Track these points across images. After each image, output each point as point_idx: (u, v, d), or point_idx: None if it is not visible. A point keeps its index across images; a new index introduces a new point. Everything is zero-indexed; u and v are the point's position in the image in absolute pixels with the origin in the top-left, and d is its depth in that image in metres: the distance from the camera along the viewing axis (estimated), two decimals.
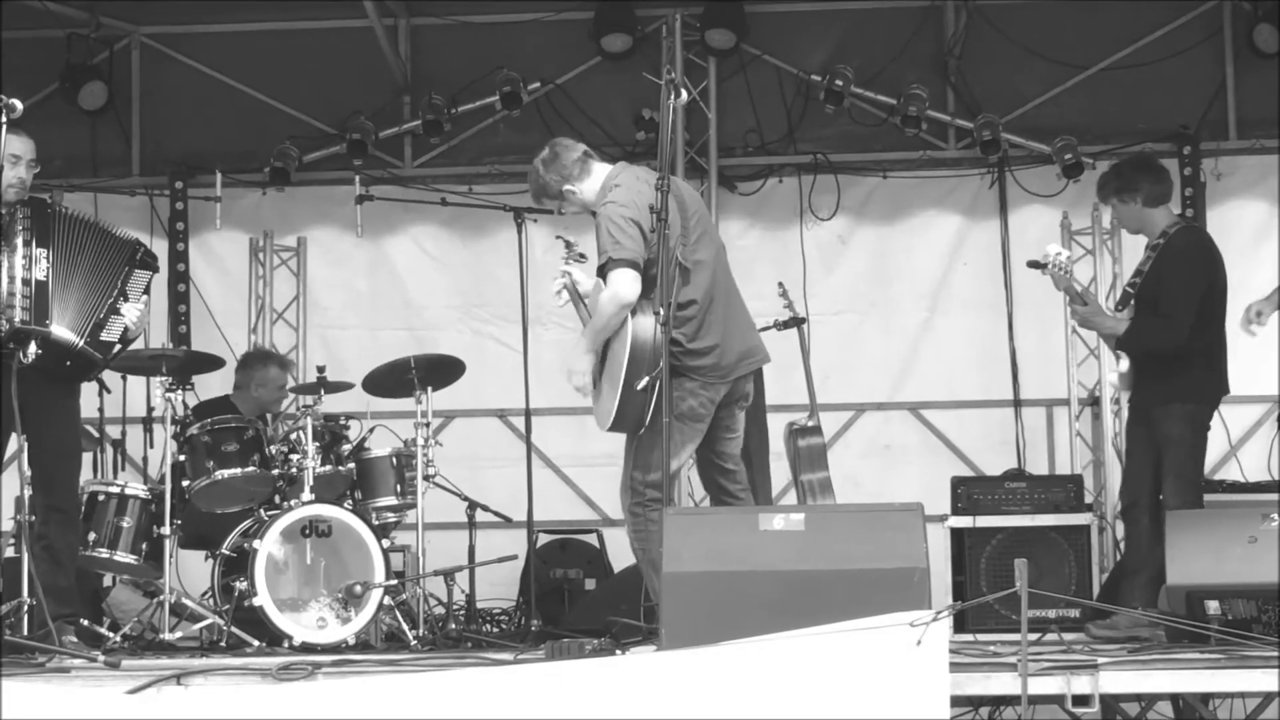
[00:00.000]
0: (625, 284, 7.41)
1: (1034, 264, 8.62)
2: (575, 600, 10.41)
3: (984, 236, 11.64)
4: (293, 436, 8.89)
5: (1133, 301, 8.73)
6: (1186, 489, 8.59)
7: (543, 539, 10.55)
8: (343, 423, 9.26)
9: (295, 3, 11.53)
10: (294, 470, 8.76)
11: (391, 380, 9.36)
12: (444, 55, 11.74)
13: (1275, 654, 6.53)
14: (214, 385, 10.38)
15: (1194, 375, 8.65)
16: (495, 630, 9.84)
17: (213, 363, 9.72)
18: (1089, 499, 10.16)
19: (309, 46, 11.67)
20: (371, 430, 9.37)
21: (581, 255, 7.81)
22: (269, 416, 10.16)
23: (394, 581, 8.58)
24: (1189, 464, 8.64)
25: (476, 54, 11.58)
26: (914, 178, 11.71)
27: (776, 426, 10.23)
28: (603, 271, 7.45)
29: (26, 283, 7.77)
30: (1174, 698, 7.56)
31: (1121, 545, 10.24)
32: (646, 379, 7.31)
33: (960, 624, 9.32)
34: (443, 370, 9.46)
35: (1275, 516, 7.11)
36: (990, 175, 11.64)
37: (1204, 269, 8.76)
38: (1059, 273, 8.56)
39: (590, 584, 10.58)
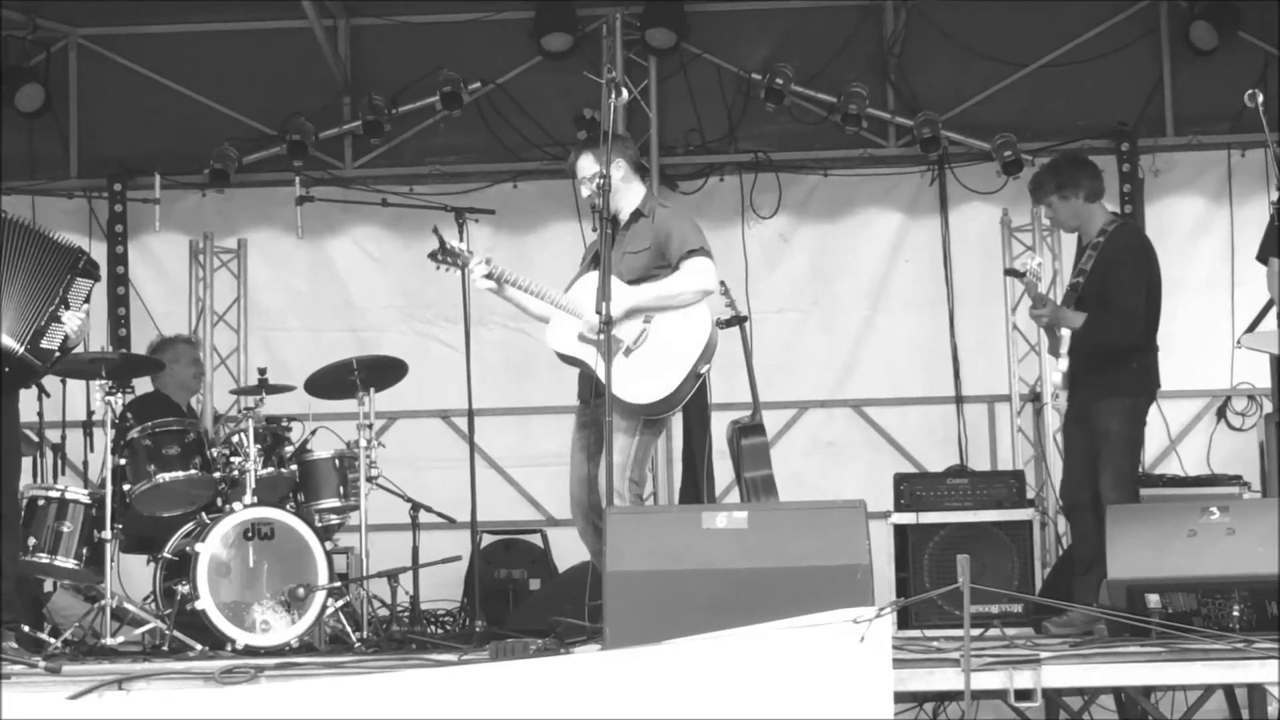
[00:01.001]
0: (711, 272, 7.92)
1: (1013, 273, 8.68)
2: (520, 600, 10.40)
3: (925, 234, 11.67)
4: (234, 439, 8.85)
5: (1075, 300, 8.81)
6: (1123, 483, 8.69)
7: (487, 539, 10.52)
8: (285, 425, 9.22)
9: (234, 4, 11.46)
10: (236, 473, 8.74)
11: (333, 382, 9.34)
12: (384, 56, 11.69)
13: (1216, 646, 6.58)
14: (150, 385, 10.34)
15: (1132, 370, 8.79)
16: (440, 631, 9.82)
17: (152, 365, 9.70)
18: (1031, 494, 10.21)
19: (248, 48, 11.60)
20: (314, 432, 9.35)
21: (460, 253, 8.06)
22: (211, 421, 10.13)
23: (337, 584, 8.57)
24: (1126, 459, 8.76)
25: (416, 54, 11.54)
26: (855, 175, 11.72)
27: (719, 425, 10.23)
28: (687, 258, 7.84)
29: None
30: (1116, 691, 7.60)
31: (1064, 540, 10.30)
32: (706, 367, 7.80)
33: (904, 620, 9.38)
34: (385, 371, 9.45)
35: (1214, 510, 7.16)
36: (930, 173, 11.67)
37: (1147, 265, 8.89)
38: (1034, 280, 8.62)
39: (535, 584, 10.57)
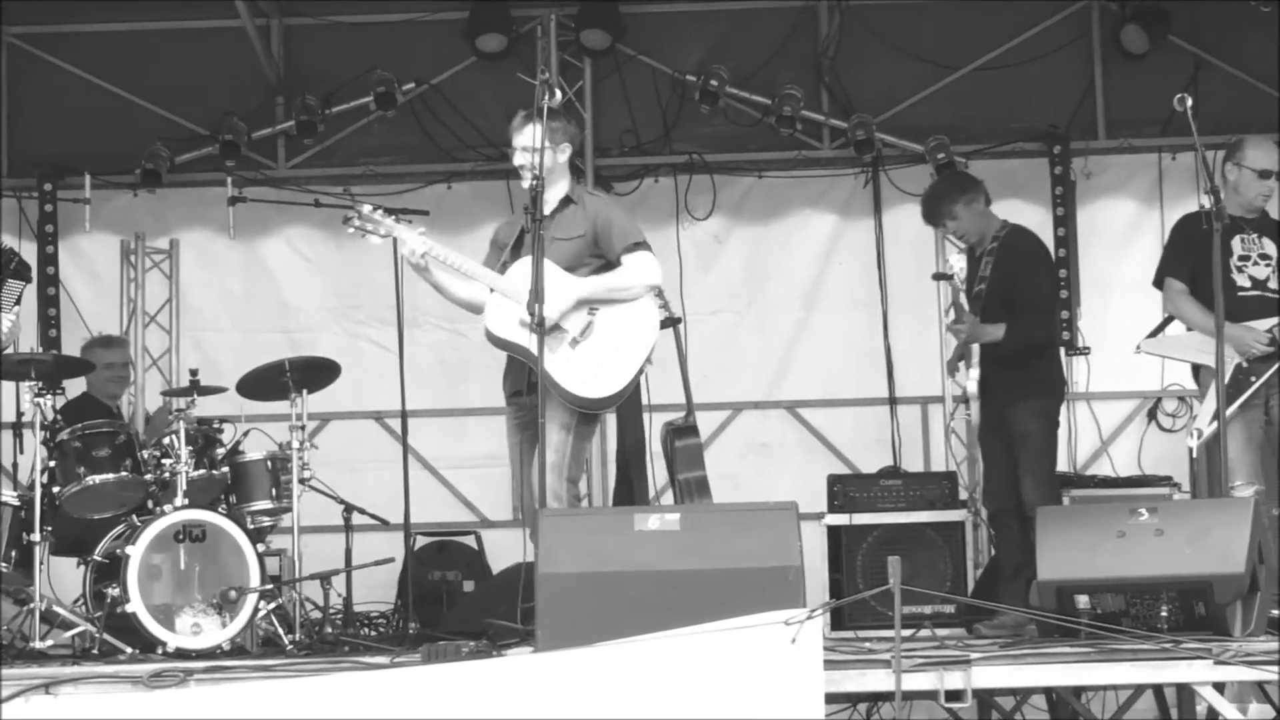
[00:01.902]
0: (657, 266, 7.84)
1: (941, 276, 8.71)
2: (454, 602, 10.36)
3: (859, 236, 11.70)
4: (165, 441, 8.79)
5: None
6: (1044, 483, 8.83)
7: (420, 541, 10.49)
8: (216, 426, 9.16)
9: (166, 3, 11.39)
10: (167, 475, 8.67)
11: (266, 383, 9.30)
12: (317, 55, 11.64)
13: (1144, 646, 6.63)
14: (82, 386, 10.27)
15: (1042, 370, 8.96)
16: (373, 634, 9.77)
17: (83, 367, 9.63)
18: (964, 495, 10.27)
19: (180, 47, 11.53)
20: (246, 434, 9.30)
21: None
22: (142, 423, 10.06)
23: (269, 586, 8.52)
24: (1045, 459, 8.90)
25: (350, 54, 11.50)
26: (789, 177, 11.74)
27: (653, 426, 10.24)
28: (632, 250, 7.73)
29: None
30: (1047, 691, 7.65)
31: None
32: (649, 366, 7.80)
33: (838, 621, 9.43)
34: (318, 373, 9.41)
35: (1143, 512, 7.21)
36: (864, 175, 11.70)
37: (1050, 264, 9.13)
38: (960, 285, 8.68)
39: (469, 586, 10.54)
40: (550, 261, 7.53)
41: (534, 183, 7.59)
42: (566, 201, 7.82)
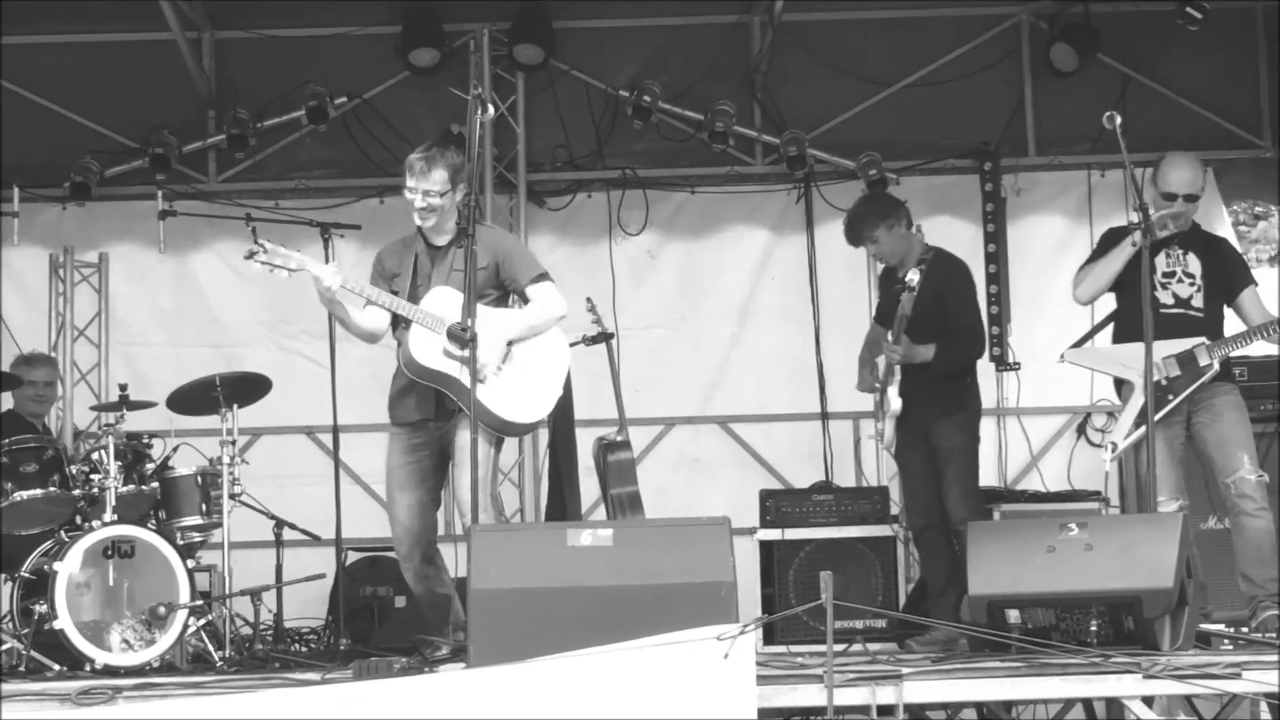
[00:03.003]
0: (561, 297, 8.02)
1: (904, 288, 8.73)
2: (385, 618, 10.32)
3: (791, 251, 11.74)
4: (94, 456, 8.73)
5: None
6: (970, 497, 8.91)
7: (352, 556, 10.45)
8: (146, 441, 9.11)
9: (96, 15, 11.31)
10: (95, 490, 8.61)
11: (196, 398, 9.25)
12: (249, 69, 11.58)
13: (1074, 661, 6.67)
14: (7, 403, 10.19)
15: (963, 386, 9.04)
16: (304, 650, 9.73)
17: (11, 381, 9.54)
18: (895, 510, 10.31)
19: (110, 59, 11.46)
20: (176, 449, 9.25)
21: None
22: (70, 438, 9.98)
23: (199, 602, 8.47)
24: (971, 473, 8.98)
25: (282, 68, 11.45)
26: (722, 193, 11.77)
27: (586, 441, 10.25)
28: (537, 282, 7.92)
29: None
30: (978, 706, 7.68)
31: None
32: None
33: (770, 636, 9.45)
34: (249, 387, 9.37)
35: (1073, 526, 7.25)
36: (797, 191, 11.74)
37: (974, 285, 9.18)
38: (909, 302, 8.72)
39: (400, 601, 10.48)
40: (457, 293, 7.68)
41: (468, 198, 7.67)
42: (463, 233, 7.76)
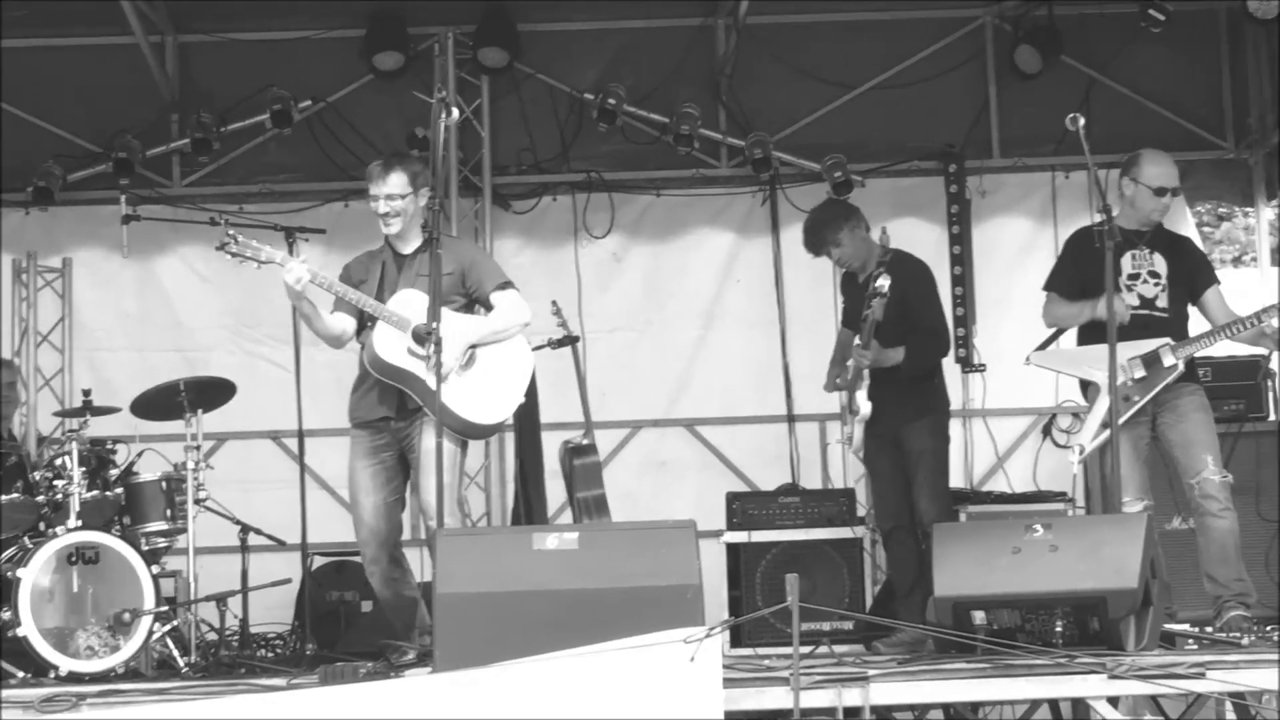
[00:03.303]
0: (525, 304, 8.12)
1: (876, 294, 8.74)
2: (352, 623, 10.30)
3: (756, 254, 11.75)
4: (58, 462, 8.68)
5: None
6: (940, 498, 8.95)
7: (318, 561, 10.42)
8: (110, 447, 9.07)
9: (59, 19, 11.26)
10: (59, 496, 8.57)
11: (160, 403, 9.22)
12: (213, 73, 11.55)
13: (1040, 662, 6.68)
14: None
15: (932, 388, 9.10)
16: (270, 655, 9.70)
17: None
18: (862, 512, 10.33)
19: (73, 64, 11.40)
20: (140, 454, 9.22)
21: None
22: (34, 444, 9.94)
23: (164, 608, 8.43)
24: (941, 474, 9.02)
25: (246, 72, 11.42)
26: (687, 196, 11.77)
27: (552, 445, 10.25)
28: (501, 290, 8.01)
29: None
30: (944, 707, 7.70)
31: None
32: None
33: (737, 638, 9.44)
34: (213, 392, 9.34)
35: (1038, 527, 7.27)
36: (762, 193, 11.75)
37: (937, 287, 9.21)
38: (882, 302, 8.74)
39: (367, 606, 10.45)
40: (423, 295, 7.71)
41: (432, 201, 7.71)
42: (430, 242, 7.83)
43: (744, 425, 11.67)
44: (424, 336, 7.62)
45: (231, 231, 7.99)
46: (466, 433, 7.90)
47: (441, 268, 7.68)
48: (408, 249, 8.03)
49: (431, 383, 7.52)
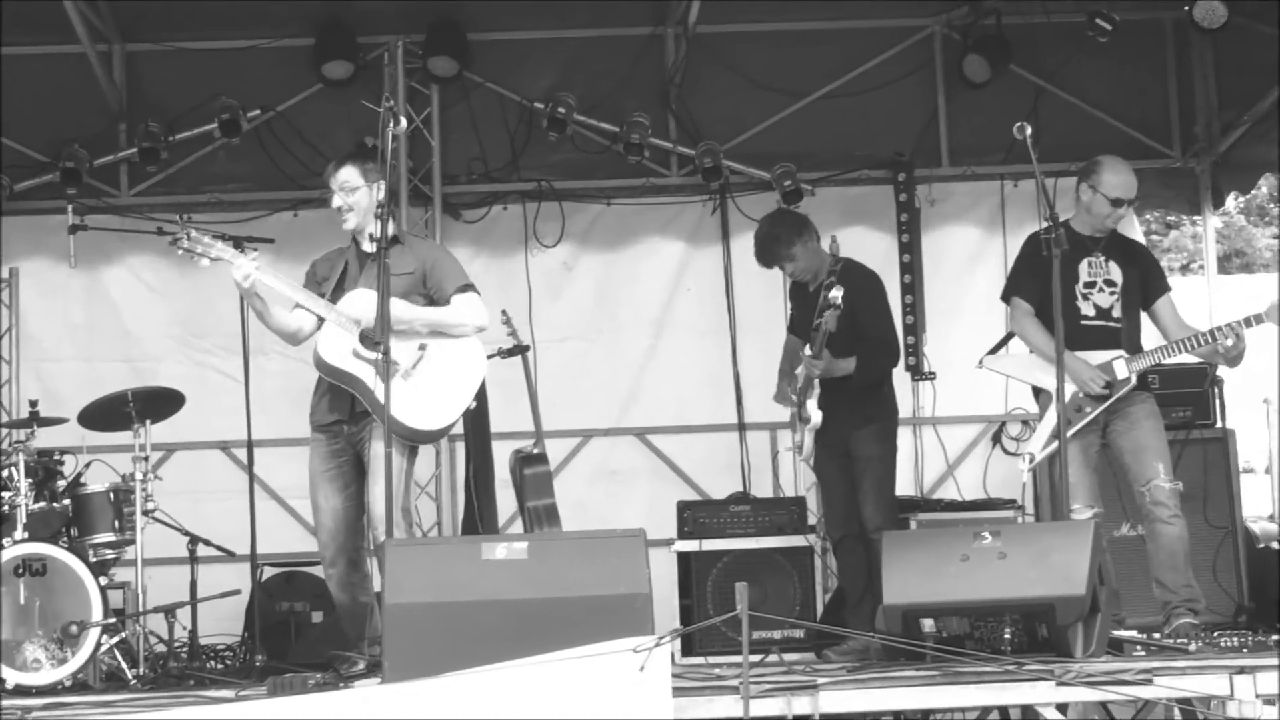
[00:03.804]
0: (484, 309, 8.11)
1: (829, 306, 8.75)
2: (301, 634, 10.27)
3: (707, 262, 11.77)
4: (4, 473, 8.64)
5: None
6: (886, 506, 8.98)
7: (268, 572, 10.39)
8: (57, 458, 9.02)
9: (5, 28, 11.17)
10: (6, 508, 8.53)
11: (108, 414, 9.17)
12: (161, 82, 11.50)
13: (988, 669, 6.70)
14: None
15: (881, 396, 9.13)
16: (219, 667, 9.66)
17: None
18: (812, 520, 10.35)
19: (20, 73, 11.29)
20: (88, 465, 9.16)
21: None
22: None
23: (113, 620, 8.39)
24: (888, 481, 9.05)
25: (195, 81, 11.36)
26: (637, 204, 11.78)
27: (502, 454, 10.24)
28: (462, 292, 8.00)
29: None
30: (894, 715, 7.71)
31: None
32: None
33: (688, 647, 9.45)
34: (162, 402, 9.30)
35: (986, 535, 7.29)
36: (712, 202, 11.77)
37: (886, 293, 9.24)
38: (835, 314, 8.75)
39: (317, 617, 10.44)
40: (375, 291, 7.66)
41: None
42: (394, 240, 7.90)
43: (695, 434, 11.68)
44: (371, 341, 7.63)
45: (186, 228, 7.99)
46: (412, 438, 7.88)
47: (394, 270, 7.71)
48: (371, 246, 7.94)
49: (375, 387, 7.51)
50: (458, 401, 7.96)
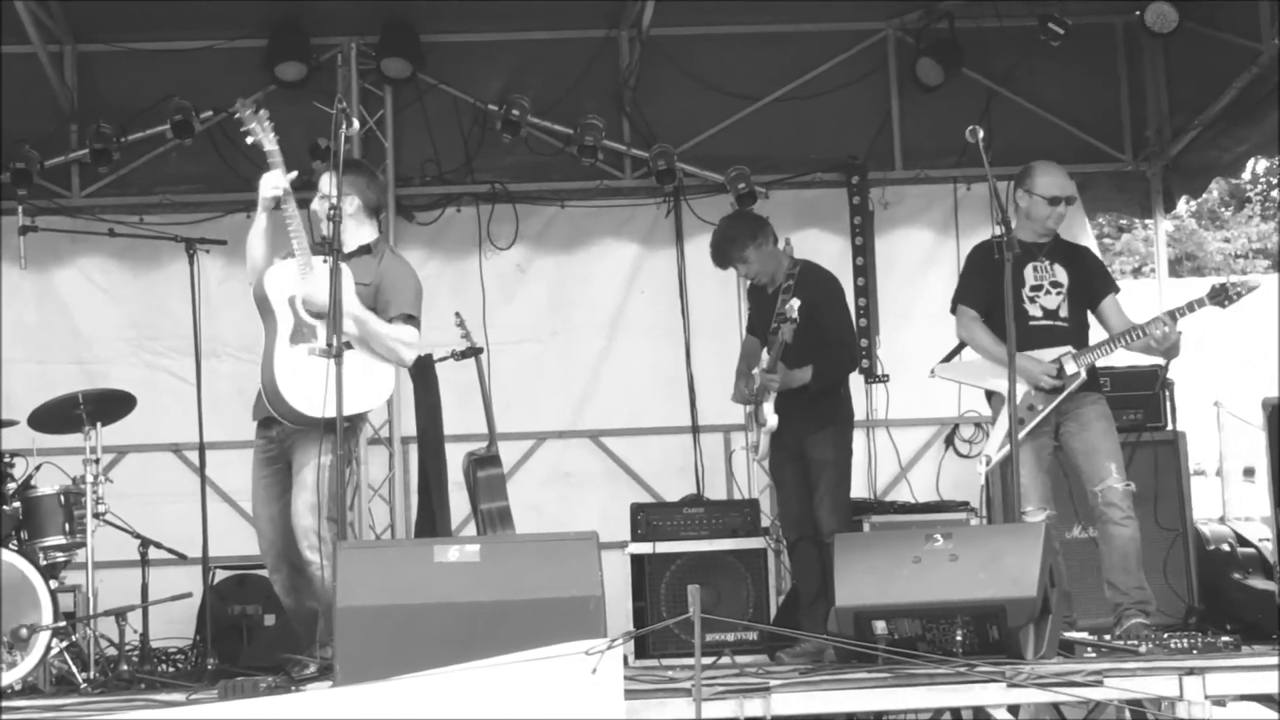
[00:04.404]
0: (416, 348, 8.01)
1: (785, 319, 8.77)
2: (254, 637, 10.24)
3: (661, 264, 11.78)
4: None
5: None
6: (841, 509, 9.01)
7: (219, 575, 10.35)
8: (7, 460, 8.97)
9: None
10: None
11: (59, 416, 9.11)
12: (113, 83, 11.44)
13: (940, 671, 6.72)
14: None
15: (838, 399, 9.18)
16: (170, 670, 9.62)
17: None
18: (766, 523, 10.35)
19: None
20: (38, 468, 9.10)
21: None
22: None
23: (63, 623, 8.34)
24: (843, 485, 9.09)
25: (147, 82, 11.31)
26: (591, 207, 11.78)
27: (455, 456, 10.23)
28: (406, 320, 7.92)
29: None
30: (847, 717, 7.73)
31: None
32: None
33: (642, 649, 9.46)
34: (113, 405, 9.24)
35: (938, 537, 7.32)
36: (666, 204, 11.78)
37: (844, 296, 9.28)
38: (792, 327, 8.77)
39: (269, 620, 10.41)
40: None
41: (332, 213, 7.66)
42: (364, 250, 7.93)
43: (649, 436, 11.69)
44: (315, 307, 7.67)
45: (260, 120, 8.13)
46: (285, 416, 7.76)
47: (357, 278, 7.74)
48: (346, 249, 7.87)
49: (283, 333, 7.64)
50: (345, 404, 7.42)
